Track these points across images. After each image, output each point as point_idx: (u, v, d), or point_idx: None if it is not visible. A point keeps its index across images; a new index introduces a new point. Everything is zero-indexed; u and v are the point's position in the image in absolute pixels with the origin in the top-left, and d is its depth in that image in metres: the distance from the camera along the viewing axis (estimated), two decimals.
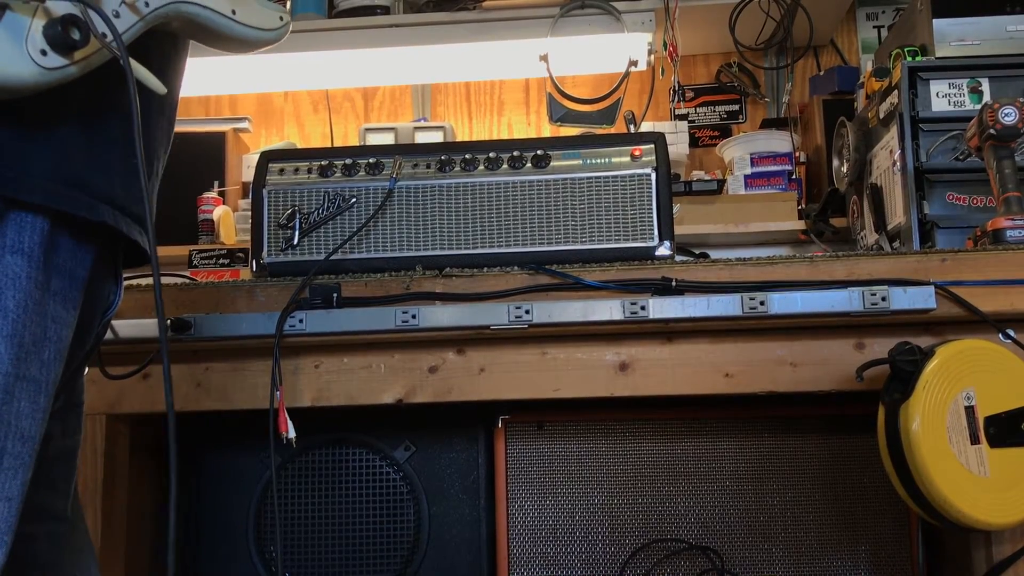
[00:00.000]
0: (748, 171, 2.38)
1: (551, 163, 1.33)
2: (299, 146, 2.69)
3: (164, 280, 1.27)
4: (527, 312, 1.19)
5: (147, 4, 0.74)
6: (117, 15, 0.71)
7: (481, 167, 1.33)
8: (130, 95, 0.72)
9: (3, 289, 0.71)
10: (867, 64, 2.15)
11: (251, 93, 2.78)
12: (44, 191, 0.72)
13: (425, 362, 1.26)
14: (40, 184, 0.72)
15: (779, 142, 2.41)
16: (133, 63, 0.73)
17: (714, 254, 1.98)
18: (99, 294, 0.85)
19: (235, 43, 0.84)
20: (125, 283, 0.89)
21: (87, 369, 0.95)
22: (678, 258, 1.31)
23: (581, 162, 1.33)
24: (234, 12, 0.81)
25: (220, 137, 2.48)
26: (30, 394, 0.73)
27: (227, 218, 2.33)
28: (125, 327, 1.20)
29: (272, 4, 0.86)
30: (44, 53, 0.67)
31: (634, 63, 2.32)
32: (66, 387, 0.87)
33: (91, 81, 0.73)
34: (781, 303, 1.17)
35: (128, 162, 0.79)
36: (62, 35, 0.67)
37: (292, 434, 1.13)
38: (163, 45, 0.85)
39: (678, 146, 2.40)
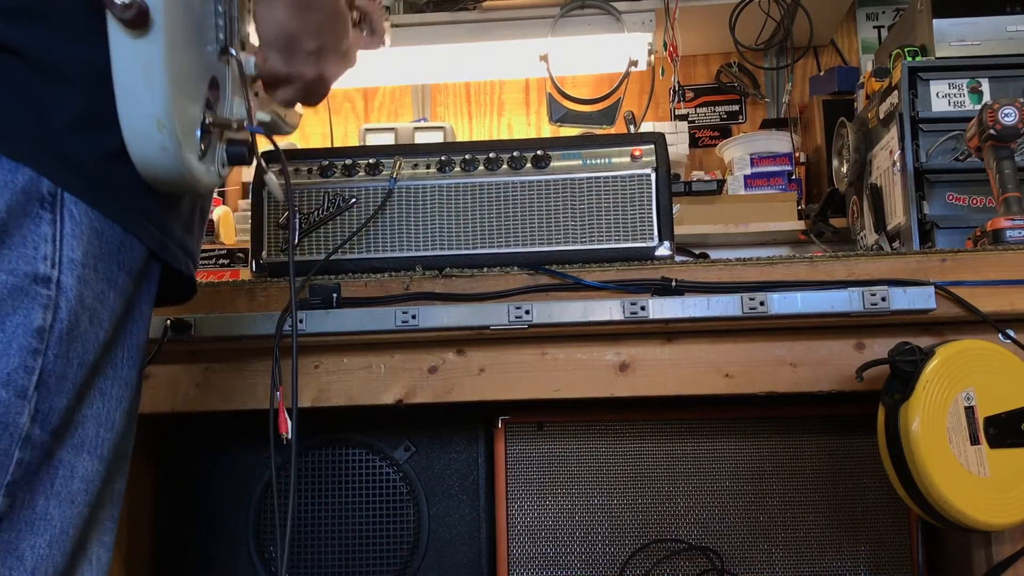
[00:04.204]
0: (748, 171, 2.38)
1: (551, 163, 1.33)
2: (299, 146, 2.69)
3: None
4: (527, 312, 1.19)
5: (255, 117, 0.88)
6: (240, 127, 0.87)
7: (481, 167, 1.33)
8: (291, 209, 1.13)
9: (141, 331, 0.84)
10: (867, 64, 2.15)
11: None
12: (167, 249, 0.85)
13: (425, 362, 1.26)
14: (170, 246, 0.85)
15: (779, 142, 2.41)
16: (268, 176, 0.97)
17: (714, 254, 1.98)
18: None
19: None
20: None
21: None
22: (678, 258, 1.31)
23: (581, 162, 1.33)
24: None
25: None
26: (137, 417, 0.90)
27: (227, 218, 2.33)
28: None
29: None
30: (224, 166, 0.83)
31: (634, 63, 2.33)
32: None
33: None
34: (781, 303, 1.17)
35: (194, 223, 0.94)
36: (242, 157, 0.83)
37: (292, 435, 1.13)
38: None
39: (678, 146, 2.40)
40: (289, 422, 1.12)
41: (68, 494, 0.75)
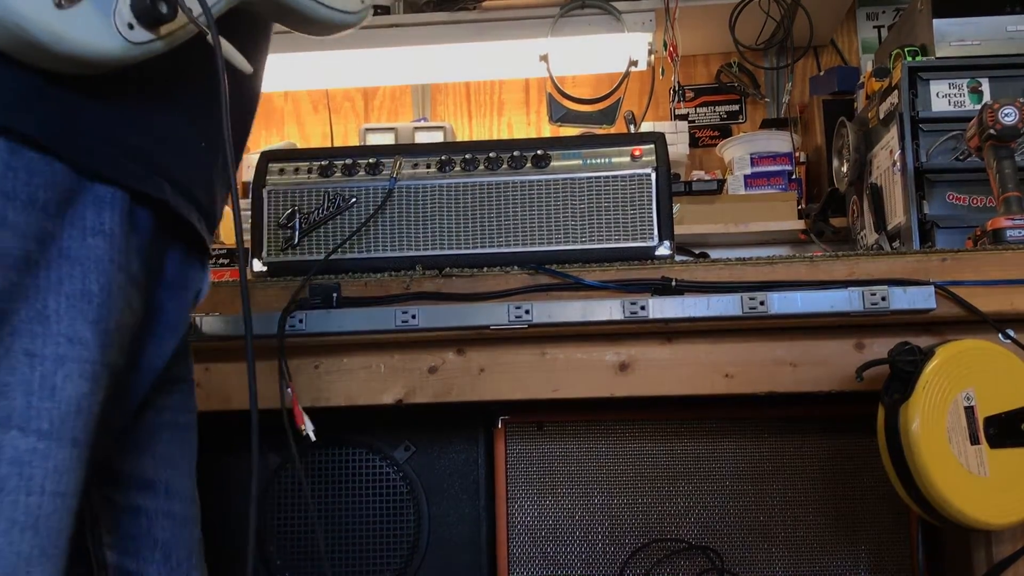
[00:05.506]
0: (748, 171, 2.38)
1: (551, 163, 1.33)
2: (299, 146, 2.70)
3: None
4: (527, 312, 1.19)
5: None
6: None
7: (481, 167, 1.33)
8: (219, 72, 0.70)
9: (87, 273, 0.68)
10: (867, 64, 2.15)
11: None
12: (115, 164, 0.69)
13: (425, 362, 1.26)
14: (113, 157, 0.69)
15: (779, 142, 2.41)
16: (221, 40, 0.70)
17: (714, 254, 1.98)
18: (190, 280, 0.85)
19: (318, 26, 0.81)
20: None
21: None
22: (678, 258, 1.31)
23: (581, 162, 1.33)
24: None
25: None
26: (111, 383, 0.71)
27: (227, 218, 2.33)
28: None
29: None
30: (131, 27, 0.64)
31: (634, 63, 2.32)
32: (174, 366, 0.87)
33: (166, 56, 0.69)
34: (781, 303, 1.17)
35: (193, 143, 0.76)
36: (150, 8, 0.64)
37: (311, 427, 1.12)
38: (248, 29, 0.82)
39: (678, 146, 2.40)
40: (305, 416, 1.12)
41: None
